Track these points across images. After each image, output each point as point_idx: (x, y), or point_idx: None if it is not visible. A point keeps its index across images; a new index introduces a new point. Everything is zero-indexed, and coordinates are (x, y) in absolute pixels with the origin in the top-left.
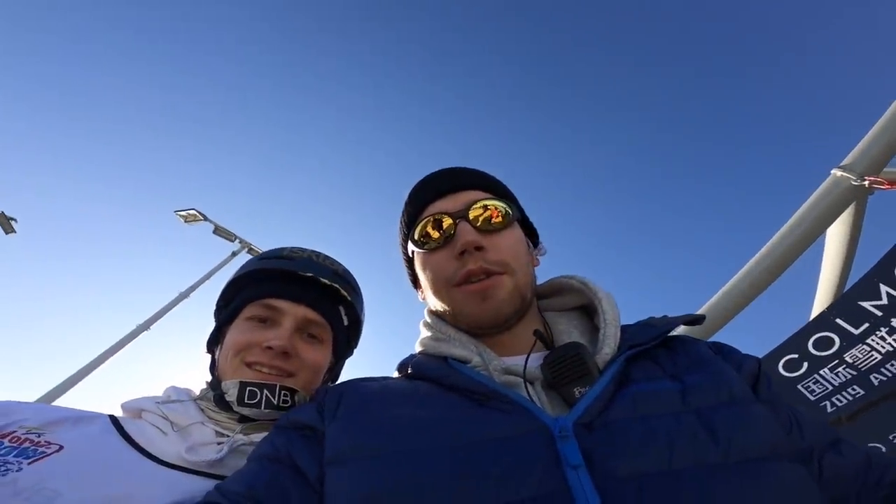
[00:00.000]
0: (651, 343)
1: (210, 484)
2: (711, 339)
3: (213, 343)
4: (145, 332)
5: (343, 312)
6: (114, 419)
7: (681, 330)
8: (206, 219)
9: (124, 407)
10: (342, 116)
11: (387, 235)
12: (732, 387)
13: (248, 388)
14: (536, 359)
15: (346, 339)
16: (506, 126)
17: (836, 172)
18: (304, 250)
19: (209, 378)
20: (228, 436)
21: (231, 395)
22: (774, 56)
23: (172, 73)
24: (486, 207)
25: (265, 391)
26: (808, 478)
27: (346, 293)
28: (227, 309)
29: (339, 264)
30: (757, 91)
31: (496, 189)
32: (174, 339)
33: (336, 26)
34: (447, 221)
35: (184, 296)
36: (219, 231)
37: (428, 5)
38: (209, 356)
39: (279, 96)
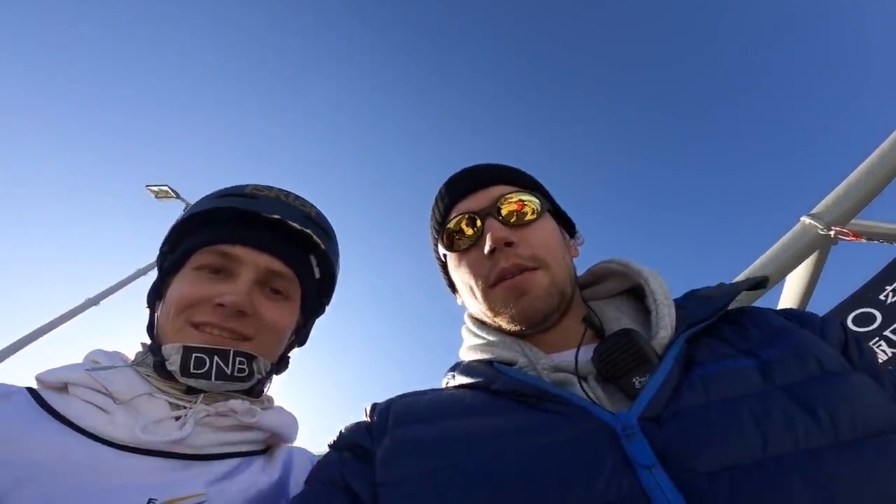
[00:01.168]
0: (712, 318)
1: (182, 465)
2: None
3: (155, 297)
4: (94, 306)
5: (315, 263)
6: (34, 393)
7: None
8: (178, 196)
9: (42, 379)
10: (335, 105)
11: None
12: (821, 356)
13: (193, 355)
14: (588, 352)
15: (316, 295)
16: (492, 126)
17: (805, 220)
18: (270, 188)
19: (148, 340)
20: (186, 408)
21: (173, 362)
22: (760, 93)
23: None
24: (513, 201)
25: (215, 358)
26: None
27: (319, 240)
28: (173, 255)
29: (312, 206)
30: (743, 127)
31: (522, 181)
32: (130, 318)
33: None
34: (475, 220)
35: (142, 272)
36: None
37: (425, 4)
38: (149, 312)
39: (266, 79)
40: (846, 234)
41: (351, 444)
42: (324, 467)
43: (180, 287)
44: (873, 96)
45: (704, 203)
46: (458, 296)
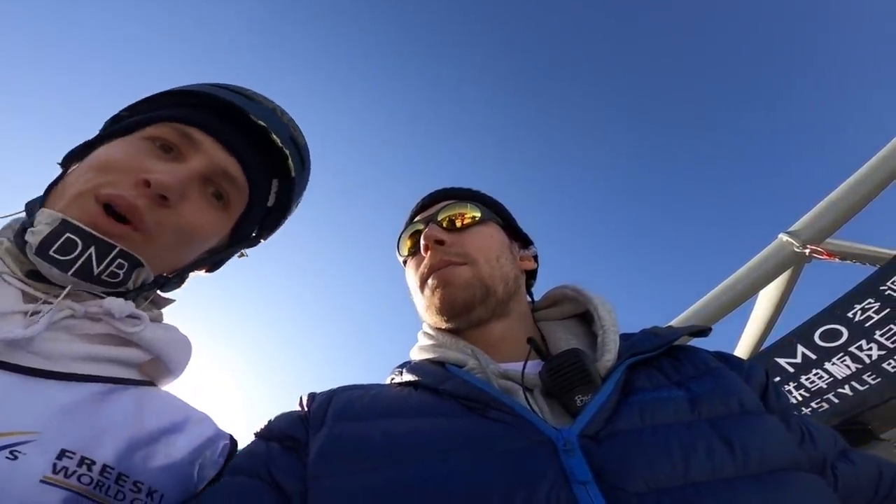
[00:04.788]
0: (654, 352)
1: (17, 382)
2: None
3: (76, 156)
4: None
5: (274, 188)
6: None
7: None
8: None
9: None
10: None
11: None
12: (742, 396)
13: (67, 234)
14: (534, 366)
15: (256, 221)
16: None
17: (783, 237)
18: (270, 101)
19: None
20: (43, 300)
21: (37, 233)
22: (750, 103)
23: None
24: (451, 210)
25: (92, 248)
26: (827, 488)
27: (292, 165)
28: (126, 120)
29: (300, 131)
30: (726, 140)
31: (469, 196)
32: None
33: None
34: (418, 227)
35: None
36: None
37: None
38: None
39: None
40: (820, 253)
41: (281, 434)
42: (249, 457)
43: (113, 149)
44: (870, 104)
45: (686, 215)
46: None
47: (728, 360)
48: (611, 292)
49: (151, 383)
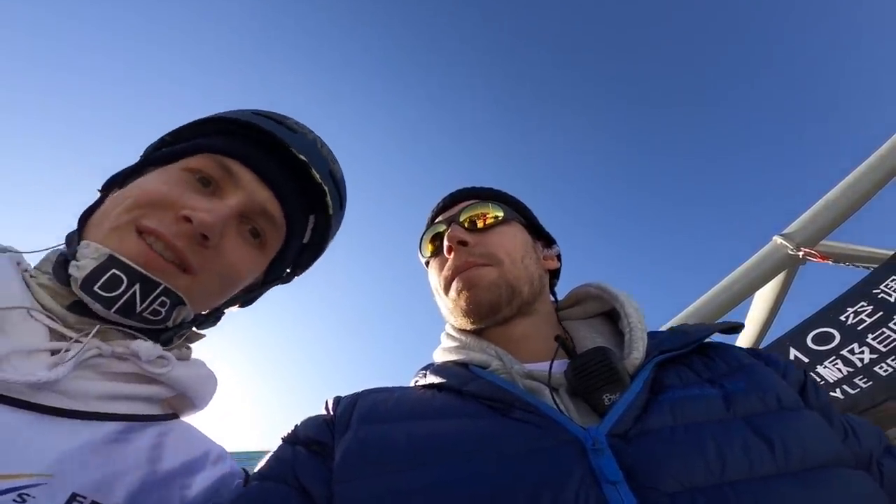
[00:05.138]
0: (684, 349)
1: (34, 421)
2: None
3: (116, 183)
4: None
5: (311, 225)
6: None
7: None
8: None
9: None
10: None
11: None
12: (780, 393)
13: (113, 269)
14: (559, 365)
15: (292, 258)
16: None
17: (777, 239)
18: (310, 130)
19: (72, 232)
20: (72, 339)
21: (81, 267)
22: (752, 98)
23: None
24: (474, 210)
25: (137, 285)
26: (874, 483)
27: (331, 202)
28: (168, 148)
29: (339, 166)
30: (724, 145)
31: (490, 196)
32: None
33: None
34: (441, 228)
35: None
36: None
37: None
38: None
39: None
40: (814, 256)
41: (307, 439)
42: (275, 462)
43: (154, 180)
44: (868, 106)
45: (683, 216)
46: None
47: (763, 356)
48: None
49: (175, 415)
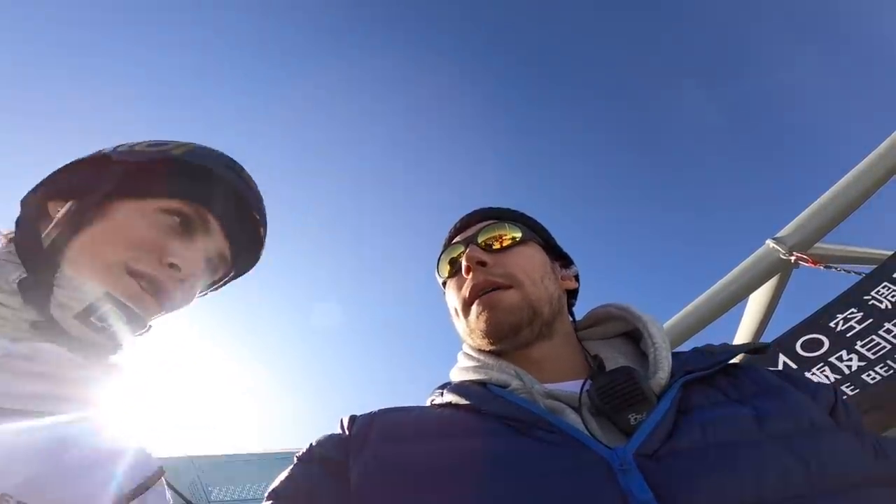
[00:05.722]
0: (711, 370)
1: None
2: None
3: (75, 193)
4: None
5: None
6: None
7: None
8: None
9: None
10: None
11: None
12: (812, 414)
13: (110, 306)
14: (578, 385)
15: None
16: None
17: (770, 243)
18: (250, 177)
19: (19, 233)
20: None
21: (77, 301)
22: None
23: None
24: (491, 230)
25: (124, 317)
26: None
27: (258, 259)
28: (139, 176)
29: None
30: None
31: (508, 216)
32: None
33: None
34: (459, 249)
35: None
36: None
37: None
38: (43, 205)
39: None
40: (806, 260)
41: (322, 457)
42: (290, 482)
43: (139, 223)
44: (875, 99)
45: (677, 217)
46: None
47: (792, 378)
48: (601, 298)
49: (86, 417)
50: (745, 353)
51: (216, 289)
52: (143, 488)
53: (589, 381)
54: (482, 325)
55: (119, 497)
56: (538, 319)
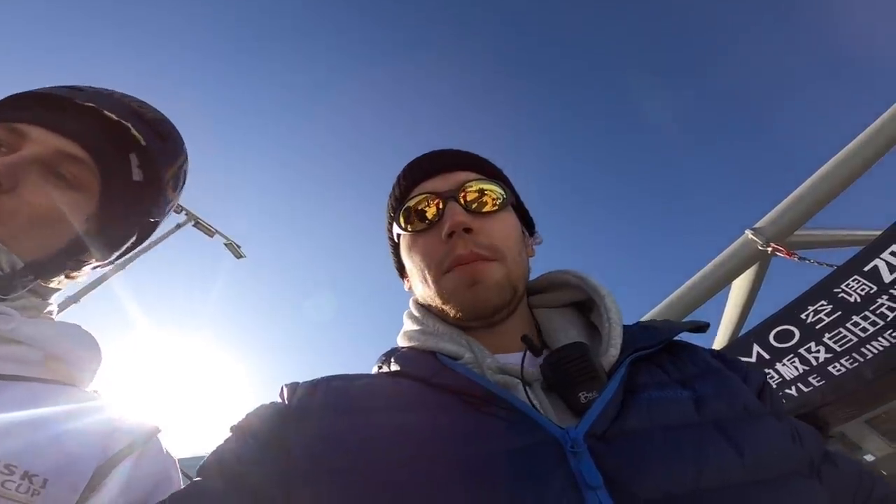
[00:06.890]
0: (656, 347)
1: None
2: None
3: None
4: (74, 304)
5: (135, 163)
6: None
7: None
8: None
9: None
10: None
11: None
12: (745, 399)
13: None
14: (533, 358)
15: (134, 199)
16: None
17: (748, 233)
18: (112, 90)
19: None
20: None
21: None
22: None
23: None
24: (478, 189)
25: None
26: (823, 493)
27: (139, 135)
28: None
29: (154, 110)
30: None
31: (490, 171)
32: (108, 313)
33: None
34: (436, 201)
35: (119, 267)
36: None
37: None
38: None
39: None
40: (781, 251)
41: (258, 429)
42: (221, 456)
43: None
44: (866, 92)
45: (663, 205)
46: (406, 280)
47: (726, 360)
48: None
49: (64, 384)
50: (687, 331)
51: (150, 211)
52: (133, 447)
53: (530, 355)
54: (462, 300)
55: (107, 457)
56: (516, 298)
